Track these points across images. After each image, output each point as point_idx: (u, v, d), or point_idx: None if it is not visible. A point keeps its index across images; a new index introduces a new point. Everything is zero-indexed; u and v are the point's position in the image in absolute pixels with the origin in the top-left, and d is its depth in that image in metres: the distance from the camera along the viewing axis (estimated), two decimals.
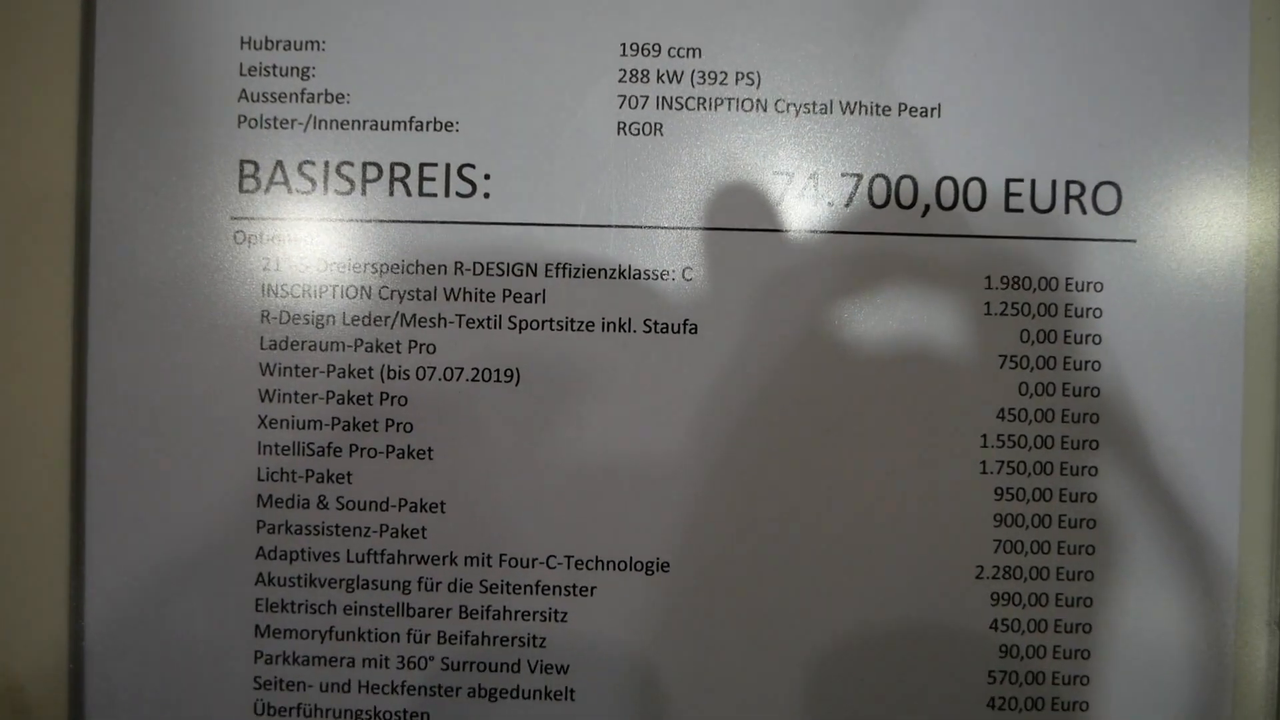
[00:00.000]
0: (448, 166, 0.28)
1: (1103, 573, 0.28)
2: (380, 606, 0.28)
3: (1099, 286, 0.28)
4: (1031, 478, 0.28)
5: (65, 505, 0.28)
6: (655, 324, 0.28)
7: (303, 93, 0.28)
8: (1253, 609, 0.28)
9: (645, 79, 0.28)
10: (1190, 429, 0.28)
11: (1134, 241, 0.28)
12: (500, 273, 0.28)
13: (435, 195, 0.28)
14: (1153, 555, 0.28)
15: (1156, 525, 0.28)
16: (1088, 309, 0.28)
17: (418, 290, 0.28)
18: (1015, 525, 0.28)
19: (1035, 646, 0.28)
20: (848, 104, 0.28)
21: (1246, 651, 0.28)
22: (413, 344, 0.28)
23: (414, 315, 0.28)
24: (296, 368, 0.28)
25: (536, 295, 0.28)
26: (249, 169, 0.28)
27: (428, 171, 0.28)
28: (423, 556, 0.28)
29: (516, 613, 0.28)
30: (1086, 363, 0.28)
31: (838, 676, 0.28)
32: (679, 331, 0.28)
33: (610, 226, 0.28)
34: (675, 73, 0.28)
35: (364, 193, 0.28)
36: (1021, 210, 0.28)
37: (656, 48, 0.28)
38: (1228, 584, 0.28)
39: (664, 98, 0.28)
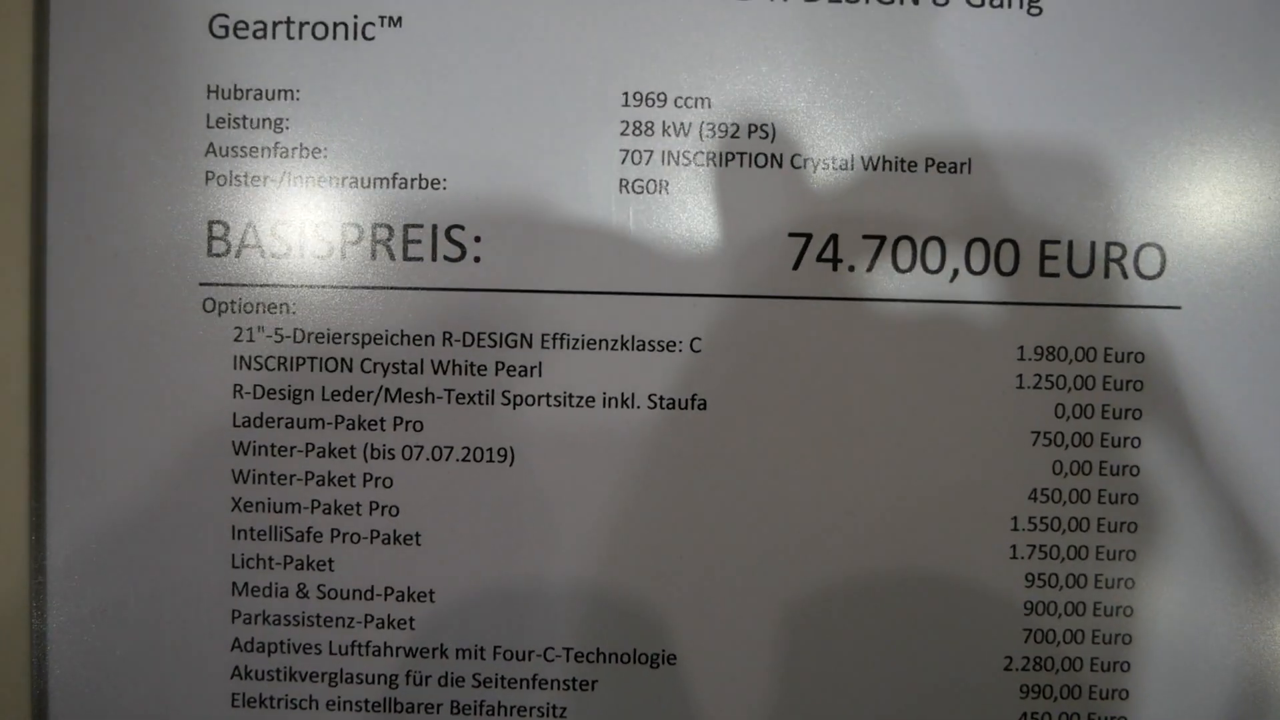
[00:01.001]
0: (434, 228, 0.26)
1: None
2: (366, 702, 0.26)
3: (1140, 357, 0.26)
4: (1065, 563, 0.26)
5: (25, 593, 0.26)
6: (661, 399, 0.26)
7: (275, 146, 0.26)
8: None
9: (649, 131, 0.26)
10: (1236, 514, 0.26)
11: (1179, 308, 0.26)
12: (493, 344, 0.26)
13: (421, 259, 0.26)
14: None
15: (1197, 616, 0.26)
16: (1128, 381, 0.26)
17: (403, 363, 0.26)
18: (1048, 614, 0.26)
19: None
20: (870, 159, 0.26)
21: None
22: (398, 421, 0.26)
23: (399, 390, 0.26)
24: (272, 446, 0.26)
25: (532, 368, 0.26)
26: (218, 230, 0.26)
27: (412, 233, 0.26)
28: (411, 649, 0.26)
29: (513, 708, 0.26)
30: (1126, 439, 0.26)
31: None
32: (687, 407, 0.26)
33: (612, 293, 0.26)
34: (682, 125, 0.26)
35: (343, 256, 0.26)
36: (1057, 274, 0.26)
37: (662, 97, 0.26)
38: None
39: (670, 152, 0.26)
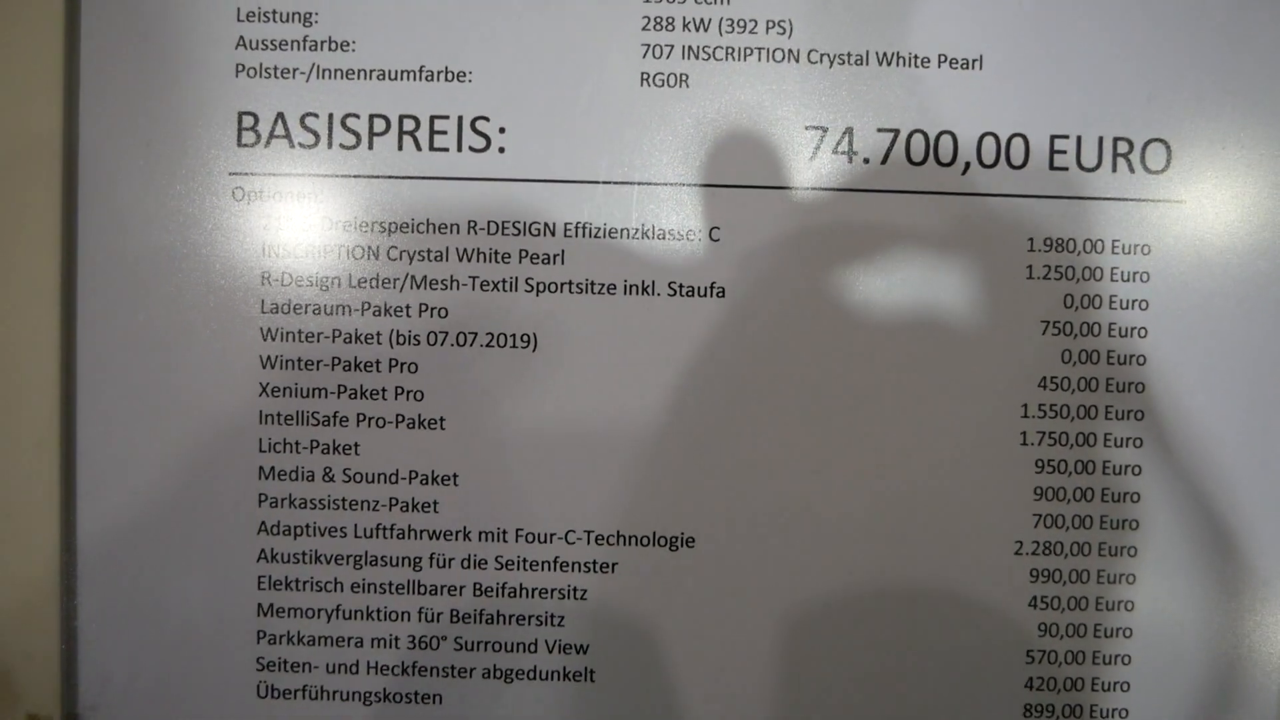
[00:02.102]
0: (460, 119, 0.26)
1: (1146, 553, 0.27)
2: (390, 584, 0.27)
3: (1146, 250, 0.26)
4: (1074, 449, 0.27)
5: (56, 480, 0.26)
6: (680, 287, 0.26)
7: (305, 40, 0.26)
8: None
9: (670, 27, 0.26)
10: (1240, 397, 0.26)
11: (1183, 203, 0.26)
12: (516, 232, 0.26)
13: (447, 150, 0.26)
14: (1197, 534, 0.27)
15: (1201, 502, 0.27)
16: (1134, 273, 0.26)
17: (428, 251, 0.26)
18: (1056, 499, 0.27)
19: (1076, 625, 0.27)
20: (885, 55, 0.26)
21: None
22: (423, 308, 0.26)
23: (424, 277, 0.26)
24: (300, 333, 0.26)
25: (555, 256, 0.26)
26: (248, 121, 0.26)
27: (439, 125, 0.26)
28: (435, 532, 0.26)
29: (534, 590, 0.27)
30: (1132, 329, 0.27)
31: (870, 656, 0.27)
32: (705, 295, 0.26)
33: (633, 184, 0.26)
34: (702, 20, 0.26)
35: (371, 147, 0.26)
36: (1066, 169, 0.26)
37: None
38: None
39: (690, 47, 0.26)
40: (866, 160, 0.26)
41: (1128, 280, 0.27)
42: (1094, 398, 0.27)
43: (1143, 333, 0.27)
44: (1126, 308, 0.27)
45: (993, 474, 0.26)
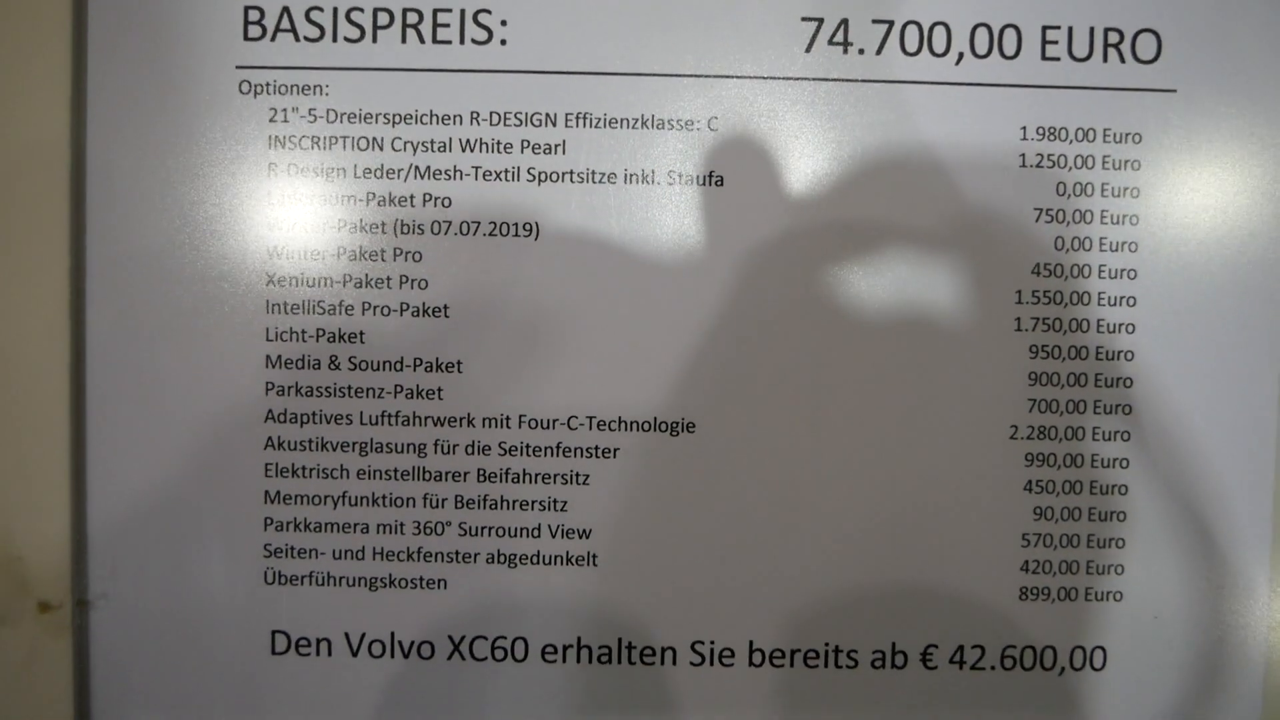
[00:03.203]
0: (462, 12, 0.27)
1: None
2: (395, 470, 0.27)
3: (1138, 138, 0.27)
4: (1068, 335, 0.27)
5: (66, 367, 0.26)
6: (679, 175, 0.27)
7: None
8: None
9: None
10: (1231, 287, 0.27)
11: (1174, 92, 0.27)
12: (518, 123, 0.27)
13: (450, 42, 0.27)
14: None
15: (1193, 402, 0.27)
16: (1125, 161, 0.27)
17: (432, 141, 0.27)
18: (1050, 384, 0.27)
19: (1070, 509, 0.27)
20: None
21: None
22: (427, 197, 0.27)
23: (428, 167, 0.27)
24: (306, 223, 0.27)
25: (556, 146, 0.27)
26: (254, 15, 0.27)
27: (441, 17, 0.27)
28: (439, 418, 0.27)
29: (537, 476, 0.27)
30: (1124, 216, 0.27)
31: (866, 540, 0.27)
32: (704, 183, 0.27)
33: (633, 74, 0.27)
34: None
35: (375, 40, 0.27)
36: (1058, 59, 0.27)
37: None
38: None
39: None
40: (861, 51, 0.27)
41: (1119, 168, 0.27)
42: (1087, 284, 0.27)
43: (1134, 220, 0.27)
44: (1118, 195, 0.27)
45: (986, 351, 0.27)
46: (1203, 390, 0.27)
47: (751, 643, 0.27)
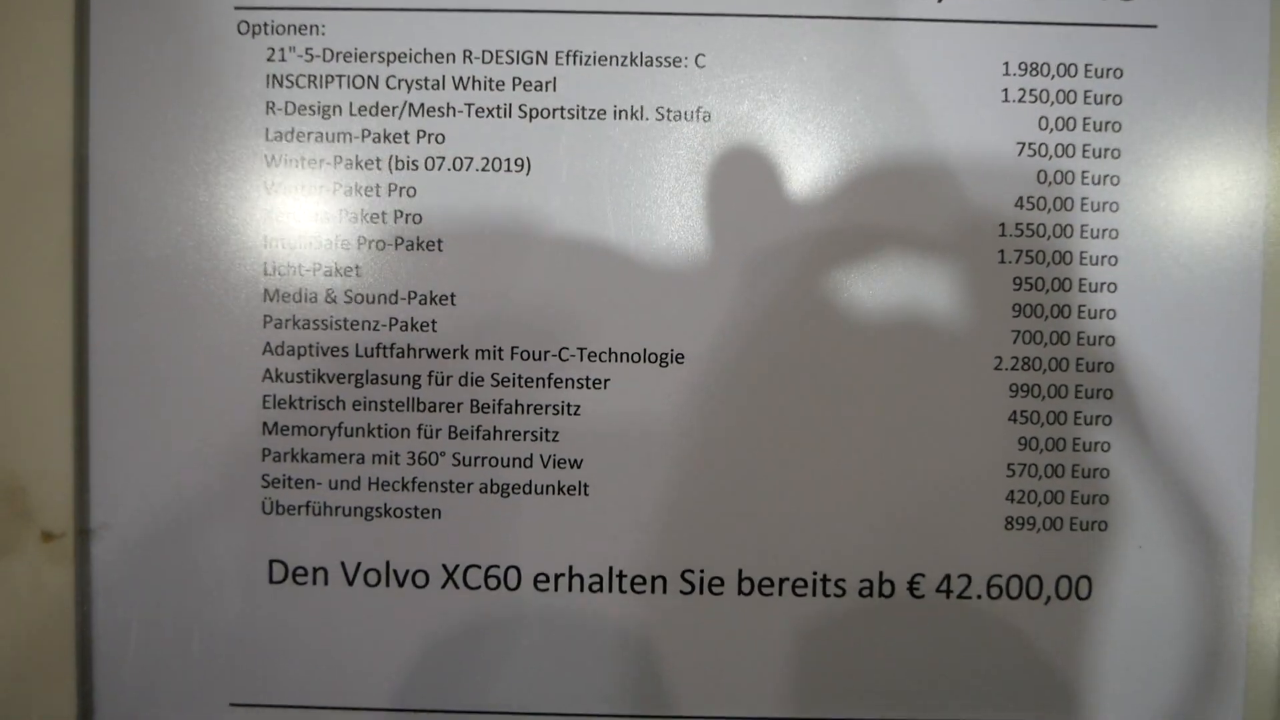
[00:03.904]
0: None
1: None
2: (390, 401, 0.27)
3: (1119, 73, 0.27)
4: (1051, 268, 0.27)
5: (68, 300, 0.27)
6: (668, 112, 0.27)
7: None
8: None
9: None
10: (1212, 222, 0.27)
11: (1155, 27, 0.27)
12: (510, 61, 0.27)
13: None
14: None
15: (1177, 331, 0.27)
16: (1107, 95, 0.27)
17: (426, 79, 0.27)
18: (1034, 316, 0.28)
19: (1055, 439, 0.28)
20: None
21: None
22: (421, 134, 0.27)
23: (422, 105, 0.27)
24: (302, 159, 0.27)
25: (547, 83, 0.27)
26: None
27: None
28: (433, 350, 0.27)
29: (529, 406, 0.28)
30: (1107, 150, 0.27)
31: (854, 469, 0.27)
32: (691, 119, 0.27)
33: (623, 12, 0.27)
34: None
35: None
36: None
37: None
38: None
39: None
40: None
41: (1101, 103, 0.27)
42: (1069, 216, 0.27)
43: (1116, 154, 0.27)
44: (1100, 129, 0.27)
45: (971, 292, 0.27)
46: (1185, 319, 0.27)
47: (740, 571, 0.28)
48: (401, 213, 0.27)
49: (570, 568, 0.28)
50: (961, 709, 0.28)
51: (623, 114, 0.27)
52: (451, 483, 0.28)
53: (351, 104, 0.27)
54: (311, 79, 0.27)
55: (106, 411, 0.27)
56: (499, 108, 0.27)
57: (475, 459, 0.28)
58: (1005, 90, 0.27)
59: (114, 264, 0.27)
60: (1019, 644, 0.28)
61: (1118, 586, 0.28)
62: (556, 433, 0.28)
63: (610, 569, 0.28)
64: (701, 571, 0.28)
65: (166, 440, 0.27)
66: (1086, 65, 0.27)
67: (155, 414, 0.27)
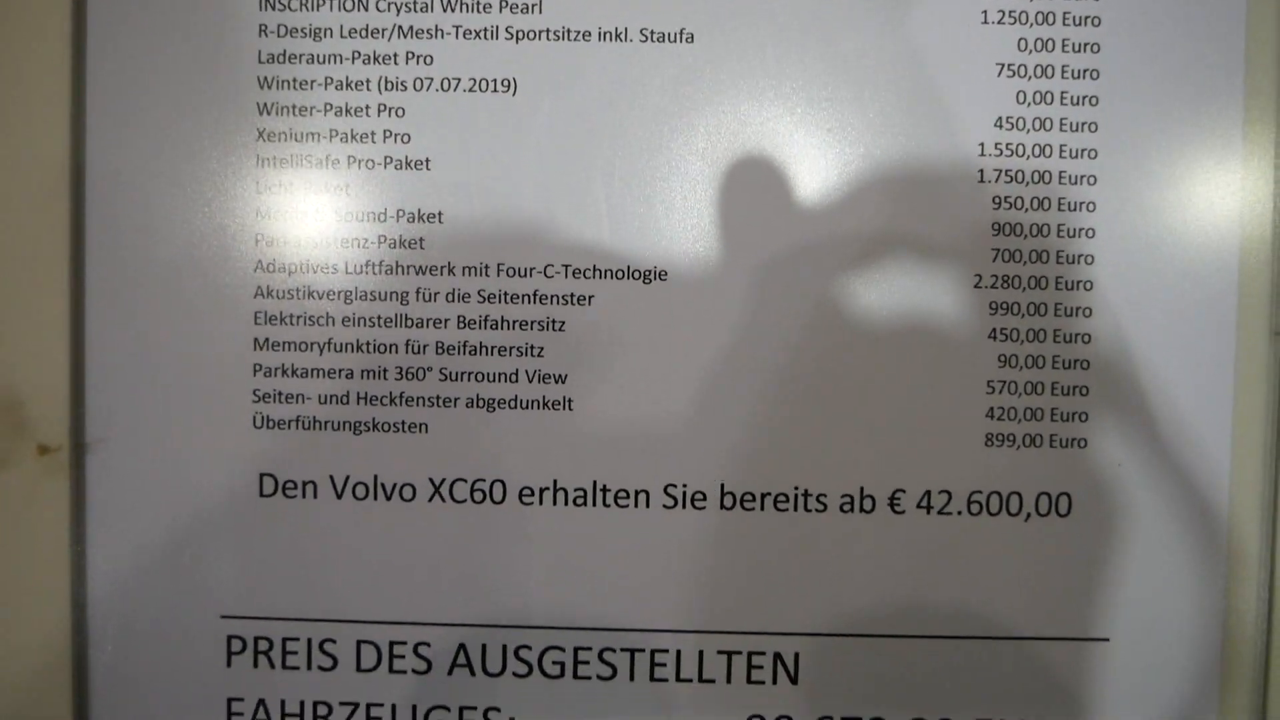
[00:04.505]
0: None
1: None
2: (378, 318, 0.28)
3: None
4: (1030, 187, 0.28)
5: (65, 214, 0.28)
6: (652, 33, 0.28)
7: None
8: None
9: None
10: (1190, 141, 0.27)
11: None
12: None
13: None
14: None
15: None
16: (1086, 17, 0.28)
17: (414, 1, 0.28)
18: (1014, 234, 0.28)
19: (1035, 357, 0.28)
20: None
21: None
22: (410, 55, 0.28)
23: (411, 27, 0.28)
24: (294, 80, 0.28)
25: (533, 6, 0.28)
26: None
27: None
28: (420, 267, 0.28)
29: (514, 323, 0.28)
30: (1085, 71, 0.28)
31: (836, 385, 0.28)
32: (675, 40, 0.28)
33: None
34: None
35: None
36: None
37: None
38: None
39: None
40: None
41: (1079, 24, 0.28)
42: (1049, 136, 0.28)
43: (1095, 75, 0.28)
44: (1079, 51, 0.28)
45: (953, 207, 0.28)
46: (1163, 238, 0.28)
47: (723, 486, 0.28)
48: (390, 132, 0.28)
49: (555, 481, 0.28)
50: (940, 625, 0.28)
51: (608, 35, 0.28)
52: (438, 398, 0.28)
53: (342, 26, 0.28)
54: (301, 2, 0.28)
55: (102, 328, 0.28)
56: (486, 29, 0.28)
57: (462, 374, 0.28)
58: (984, 11, 0.28)
59: (110, 175, 0.28)
60: (999, 560, 0.28)
61: (1097, 504, 0.28)
62: (541, 348, 0.28)
63: (594, 483, 0.28)
64: (684, 486, 0.28)
65: (160, 357, 0.28)
66: None
67: (149, 331, 0.28)
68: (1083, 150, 0.28)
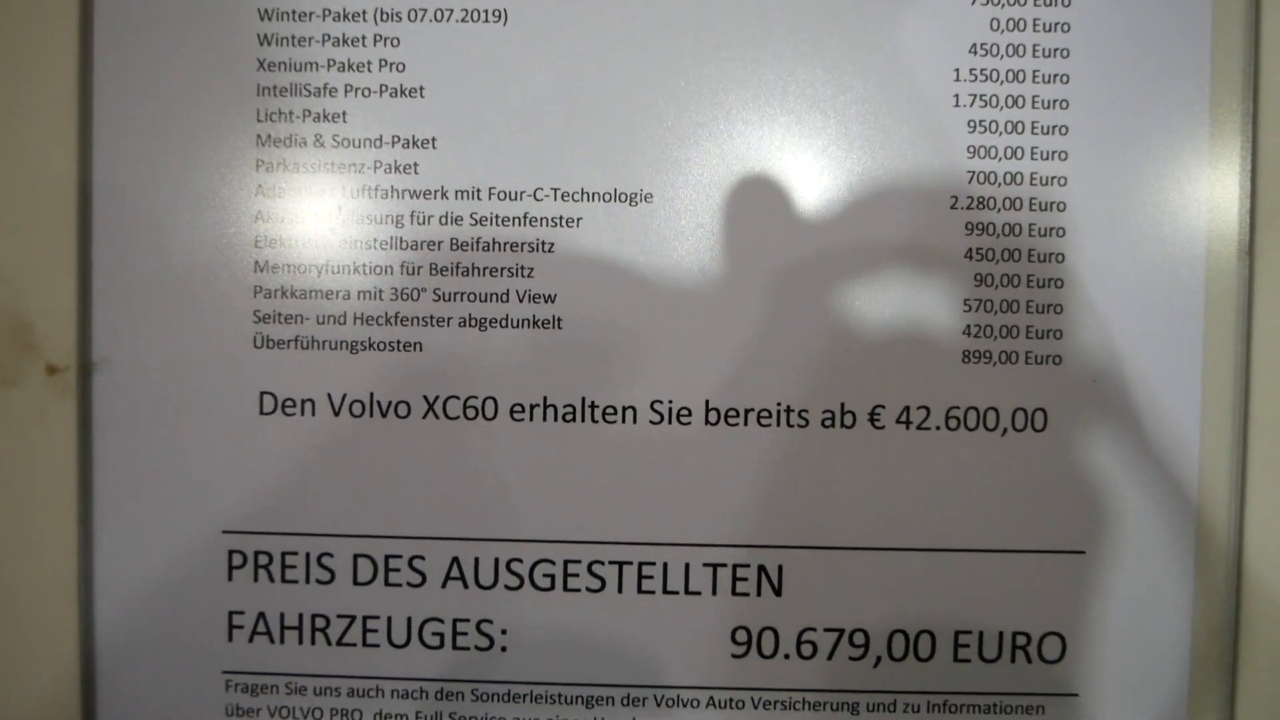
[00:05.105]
0: None
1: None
2: (375, 240, 0.29)
3: None
4: (1004, 110, 0.29)
5: (73, 138, 0.29)
6: None
7: None
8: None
9: None
10: (1160, 40, 0.28)
11: None
12: None
13: None
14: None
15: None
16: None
17: None
18: (989, 157, 0.29)
19: (1010, 276, 0.29)
20: None
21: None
22: None
23: None
24: (293, 12, 0.29)
25: None
26: None
27: None
28: (415, 191, 0.29)
29: (505, 244, 0.29)
30: (1056, 24, 0.29)
31: (814, 302, 0.29)
32: None
33: None
34: None
35: None
36: None
37: None
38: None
39: None
40: None
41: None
42: (1022, 62, 0.29)
43: (1066, 1, 0.29)
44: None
45: (926, 118, 0.29)
46: (1134, 152, 0.28)
47: (708, 402, 0.29)
48: (385, 61, 0.29)
49: (544, 398, 0.29)
50: (920, 539, 0.29)
51: None
52: (432, 317, 0.29)
53: None
54: None
55: (109, 251, 0.29)
56: None
57: (454, 294, 0.29)
58: None
59: (118, 90, 0.29)
60: (976, 474, 0.29)
61: (1072, 420, 0.29)
62: (531, 269, 0.29)
63: (583, 399, 0.29)
64: (670, 402, 0.29)
65: (165, 279, 0.29)
66: None
67: (156, 254, 0.29)
68: (1055, 75, 0.29)
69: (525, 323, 0.29)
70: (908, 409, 0.29)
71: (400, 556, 0.29)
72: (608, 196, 0.29)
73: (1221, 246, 0.28)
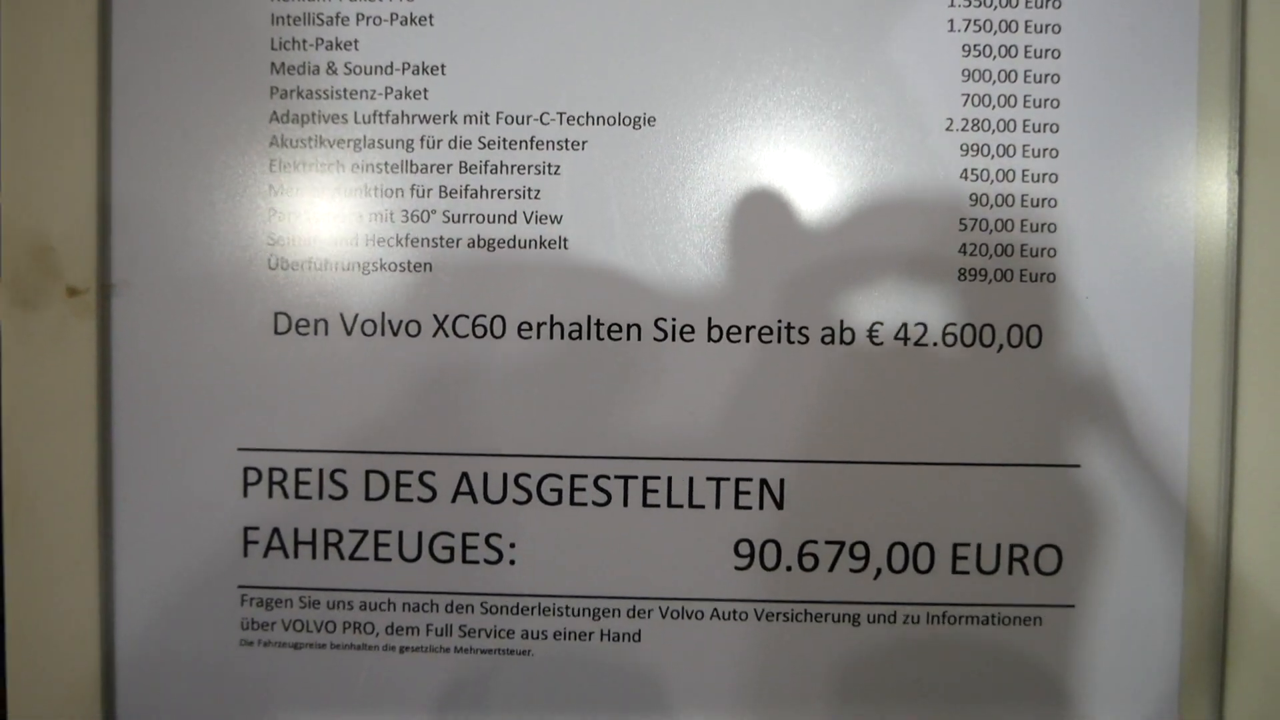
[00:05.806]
0: None
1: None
2: (385, 164, 0.30)
3: None
4: (998, 35, 0.29)
5: (93, 70, 0.30)
6: None
7: None
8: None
9: None
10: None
11: None
12: None
13: None
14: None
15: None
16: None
17: None
18: (983, 80, 0.30)
19: (1004, 195, 0.30)
20: None
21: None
22: None
23: None
24: None
25: None
26: None
27: None
28: (425, 116, 0.30)
29: (512, 167, 0.30)
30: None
31: (816, 222, 0.29)
32: None
33: None
34: None
35: None
36: None
37: None
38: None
39: None
40: None
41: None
42: (1014, 13, 0.30)
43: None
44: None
45: (918, 70, 0.29)
46: (1125, 79, 0.29)
47: (710, 319, 0.30)
48: None
49: (551, 317, 0.30)
50: (918, 452, 0.30)
51: None
52: (441, 238, 0.30)
53: None
54: None
55: (128, 175, 0.30)
56: None
57: (463, 216, 0.30)
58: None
59: (138, 35, 0.30)
60: (973, 389, 0.30)
61: (1066, 337, 0.29)
62: (538, 191, 0.30)
63: (588, 317, 0.30)
64: (674, 319, 0.30)
65: (184, 204, 0.30)
66: None
67: (174, 177, 0.30)
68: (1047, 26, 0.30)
69: (532, 243, 0.30)
70: (905, 325, 0.30)
71: (411, 472, 0.30)
72: (612, 120, 0.30)
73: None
